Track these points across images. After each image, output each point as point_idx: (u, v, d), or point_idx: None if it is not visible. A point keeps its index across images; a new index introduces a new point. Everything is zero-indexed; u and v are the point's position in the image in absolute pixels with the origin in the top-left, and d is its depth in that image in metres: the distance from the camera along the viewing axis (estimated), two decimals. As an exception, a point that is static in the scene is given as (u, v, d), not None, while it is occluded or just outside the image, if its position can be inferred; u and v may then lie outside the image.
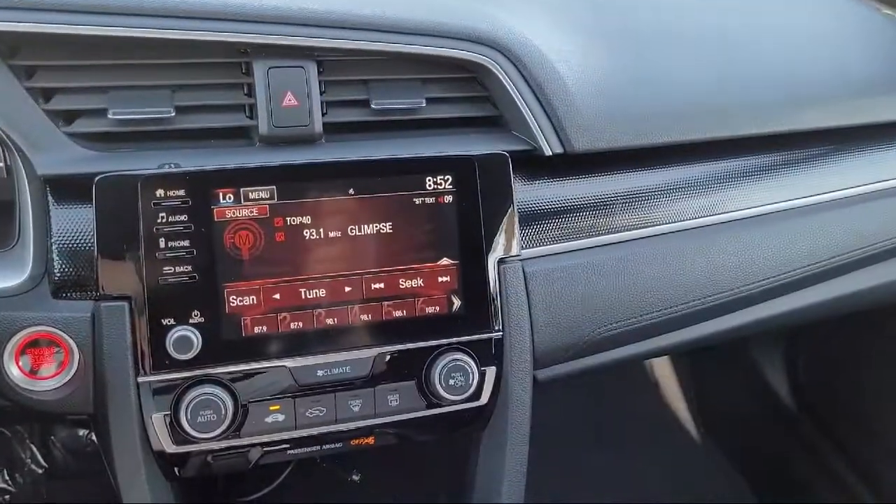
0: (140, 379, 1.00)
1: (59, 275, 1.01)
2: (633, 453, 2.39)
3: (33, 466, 1.98)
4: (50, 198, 1.02)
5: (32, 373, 1.00)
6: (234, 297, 1.02)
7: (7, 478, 1.91)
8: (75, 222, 1.02)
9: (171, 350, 0.99)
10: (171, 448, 1.02)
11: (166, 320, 1.00)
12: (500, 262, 1.13)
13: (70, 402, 1.02)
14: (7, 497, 1.86)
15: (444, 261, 1.09)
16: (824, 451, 2.11)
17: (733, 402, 2.39)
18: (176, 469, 1.06)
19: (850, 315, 1.74)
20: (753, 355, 2.23)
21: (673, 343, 1.34)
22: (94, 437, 1.85)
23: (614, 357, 1.30)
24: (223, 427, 1.01)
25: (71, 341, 1.00)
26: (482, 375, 1.12)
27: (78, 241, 1.01)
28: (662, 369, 2.53)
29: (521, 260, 1.15)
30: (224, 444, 1.04)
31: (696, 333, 1.35)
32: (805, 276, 1.34)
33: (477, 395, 1.13)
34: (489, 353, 1.13)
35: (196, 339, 1.00)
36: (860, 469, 2.03)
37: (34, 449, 1.99)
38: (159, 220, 0.99)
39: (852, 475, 2.05)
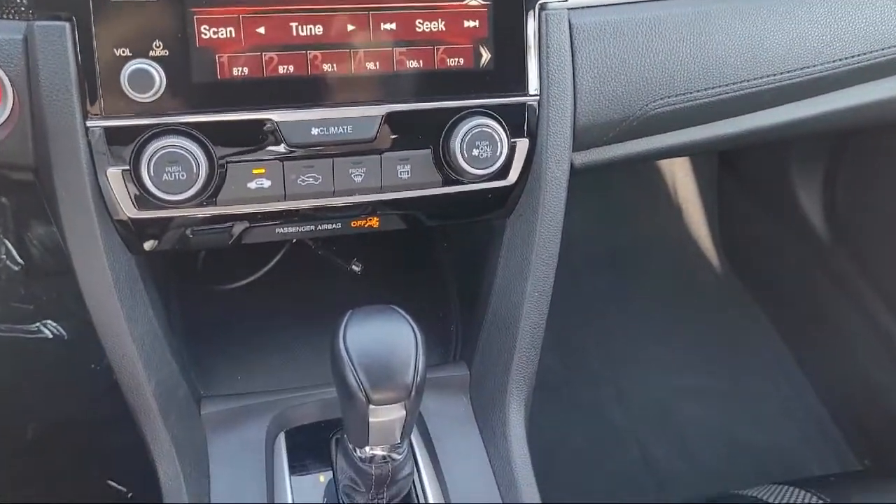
0: (89, 123, 0.80)
1: (-21, -14, 0.79)
2: (647, 279, 2.26)
3: (9, 264, 1.89)
4: None
5: (-42, 113, 0.80)
6: (206, 27, 0.81)
7: (-17, 275, 1.80)
8: (-2, -83, 0.78)
9: (126, 87, 0.79)
10: (132, 213, 0.84)
11: (120, 50, 0.79)
12: (542, 7, 0.91)
13: (5, 150, 0.82)
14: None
15: (473, 0, 0.87)
16: (856, 284, 1.98)
17: (760, 227, 2.23)
18: (147, 244, 0.88)
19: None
20: (790, 174, 2.04)
21: (728, 133, 1.14)
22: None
23: (660, 145, 1.11)
24: (195, 189, 0.82)
25: (0, 72, 0.79)
26: (512, 148, 0.93)
27: (2, -57, 0.79)
28: (685, 190, 2.35)
29: (567, 8, 0.93)
30: (198, 211, 0.86)
31: (755, 123, 1.15)
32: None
33: (504, 172, 0.94)
34: (522, 121, 0.93)
35: (158, 76, 0.80)
36: (892, 302, 1.90)
37: (9, 245, 1.89)
38: None
39: (884, 309, 1.92)
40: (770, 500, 1.20)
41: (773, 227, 2.18)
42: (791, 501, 1.19)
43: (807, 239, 2.07)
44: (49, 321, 1.81)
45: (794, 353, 2.13)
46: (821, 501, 1.19)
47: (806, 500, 1.19)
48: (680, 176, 2.35)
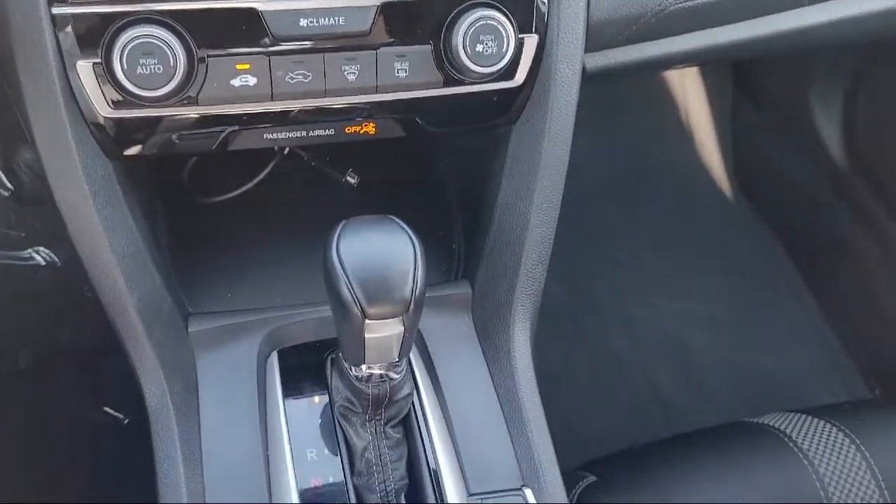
0: (55, 10, 0.73)
1: None
2: (656, 206, 2.20)
3: (-1, 189, 1.82)
4: None
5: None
6: None
7: (-29, 201, 1.75)
8: None
9: None
10: (107, 113, 0.78)
11: (83, -75, 0.71)
12: None
13: (-37, 41, 0.75)
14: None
15: None
16: (873, 212, 1.91)
17: (776, 156, 2.16)
18: (127, 150, 0.82)
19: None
20: (808, 99, 1.96)
21: (750, 37, 1.06)
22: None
23: (677, 49, 1.03)
24: (173, 84, 0.75)
25: (-47, -49, 0.72)
26: (519, 45, 0.85)
27: None
28: (698, 115, 2.26)
29: None
30: (178, 111, 0.79)
31: (779, 26, 1.06)
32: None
33: (511, 71, 0.87)
34: (530, 15, 0.85)
35: None
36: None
37: (-3, 170, 1.82)
38: None
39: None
40: (782, 428, 1.16)
41: (789, 154, 2.11)
42: (804, 429, 1.15)
43: (824, 166, 2.00)
44: (41, 248, 1.76)
45: (807, 281, 2.08)
46: (834, 429, 1.15)
47: (819, 428, 1.15)
48: (693, 100, 2.26)
